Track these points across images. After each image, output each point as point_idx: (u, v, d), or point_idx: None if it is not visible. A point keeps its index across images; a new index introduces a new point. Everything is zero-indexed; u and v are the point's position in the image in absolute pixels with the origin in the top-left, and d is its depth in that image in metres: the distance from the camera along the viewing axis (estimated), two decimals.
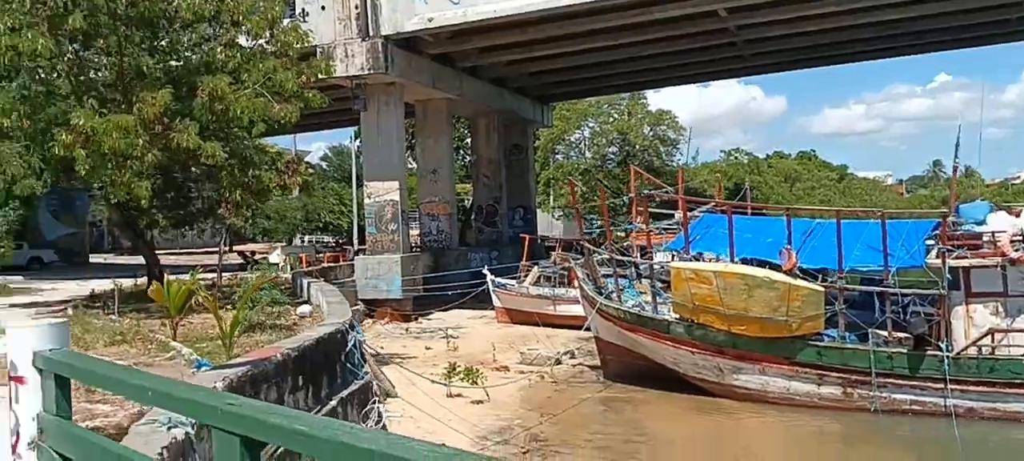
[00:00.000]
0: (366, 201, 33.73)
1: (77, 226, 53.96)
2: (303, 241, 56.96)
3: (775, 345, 18.43)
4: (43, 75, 18.43)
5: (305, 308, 16.78)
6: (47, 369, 3.20)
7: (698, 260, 20.90)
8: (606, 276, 21.95)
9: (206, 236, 60.04)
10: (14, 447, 3.32)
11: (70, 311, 19.15)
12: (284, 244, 43.19)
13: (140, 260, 55.85)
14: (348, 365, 11.17)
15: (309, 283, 20.66)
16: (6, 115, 17.25)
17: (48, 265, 44.63)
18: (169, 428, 5.54)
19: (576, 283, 24.09)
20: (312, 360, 9.88)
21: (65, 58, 18.34)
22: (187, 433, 5.59)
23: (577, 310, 25.36)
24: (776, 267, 19.17)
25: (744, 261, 19.59)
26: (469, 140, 52.71)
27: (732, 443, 16.17)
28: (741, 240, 19.79)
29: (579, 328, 23.75)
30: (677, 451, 14.91)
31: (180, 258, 60.45)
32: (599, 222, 27.78)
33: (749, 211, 24.18)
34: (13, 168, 17.73)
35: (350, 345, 11.44)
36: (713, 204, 23.87)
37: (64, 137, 16.36)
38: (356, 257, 34.06)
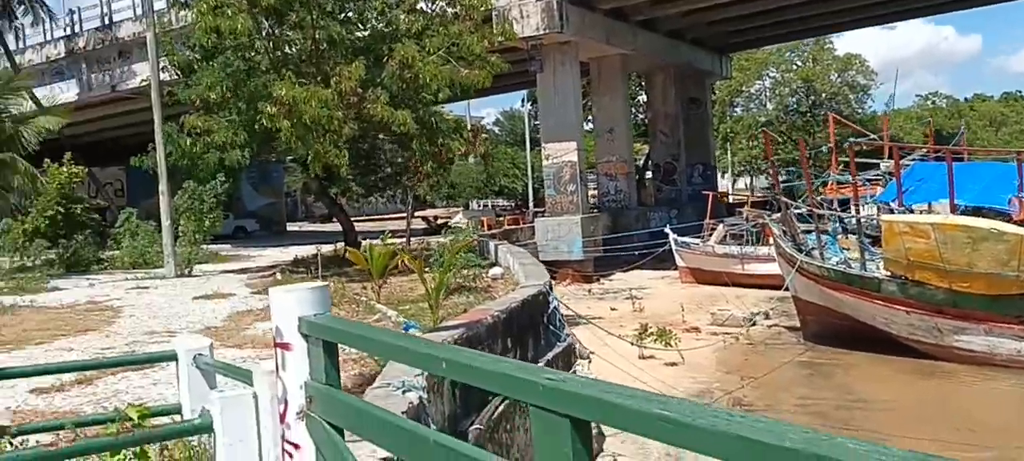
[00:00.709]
0: (544, 163, 33.61)
1: (274, 197, 57.45)
2: (479, 205, 58.03)
3: (1004, 303, 16.68)
4: (243, 52, 19.35)
5: (496, 270, 16.79)
6: (313, 335, 2.99)
7: (909, 213, 19.22)
8: (806, 233, 20.63)
9: (389, 203, 62.59)
10: (282, 416, 3.16)
11: (278, 275, 20.22)
12: (464, 208, 44.05)
13: (333, 227, 58.75)
14: (550, 327, 10.95)
15: (496, 246, 20.73)
16: (212, 90, 18.25)
17: (250, 234, 47.72)
18: (404, 392, 5.43)
19: (771, 240, 22.86)
20: (519, 323, 9.72)
21: (263, 35, 19.20)
22: (421, 397, 5.46)
23: (767, 269, 24.14)
24: (999, 217, 17.34)
25: (958, 210, 17.86)
26: (643, 97, 51.50)
27: (960, 410, 14.75)
28: (956, 188, 18.00)
29: (769, 288, 22.58)
30: (900, 418, 13.72)
31: (366, 224, 63.41)
32: (790, 176, 26.29)
33: (966, 157, 22.02)
34: (221, 136, 18.78)
35: (551, 307, 11.22)
36: (926, 150, 21.88)
37: (269, 109, 17.09)
38: (536, 219, 34.09)
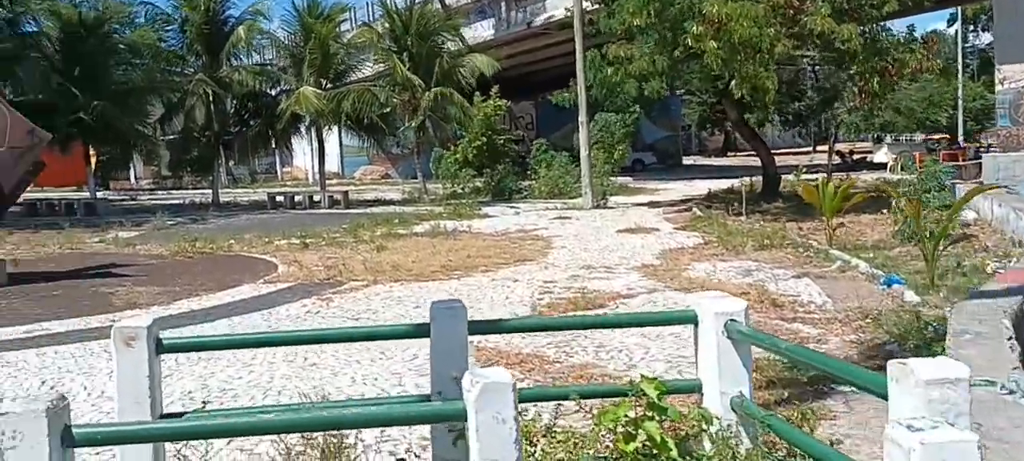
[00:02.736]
0: (998, 88, 28.23)
1: (671, 130, 56.84)
2: (890, 140, 51.83)
3: None
4: None
5: (968, 214, 13.90)
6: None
7: None
8: None
9: (780, 137, 58.83)
10: None
11: (696, 211, 19.13)
12: (874, 142, 39.28)
13: (729, 162, 56.39)
14: None
15: (954, 185, 17.47)
16: (637, 15, 17.37)
17: (647, 167, 47.52)
18: (1010, 393, 3.77)
19: None
20: None
21: None
22: None
23: None
24: None
25: None
26: None
27: None
28: None
29: None
30: None
31: (755, 160, 60.47)
32: None
33: None
34: (642, 64, 17.98)
35: None
36: None
37: (695, 28, 15.82)
38: (985, 155, 28.95)
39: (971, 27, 58.05)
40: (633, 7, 17.51)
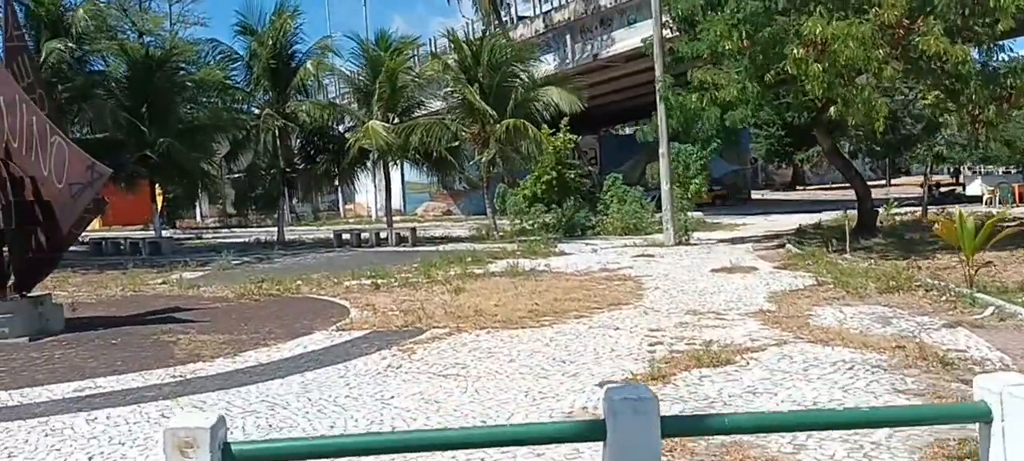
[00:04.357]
0: None
1: (739, 163, 55.19)
2: (972, 171, 49.24)
3: None
4: None
5: None
6: None
7: None
8: None
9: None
10: None
11: (790, 246, 17.75)
12: (986, 174, 37.15)
13: (799, 195, 54.41)
14: None
15: None
16: (727, 38, 16.19)
17: (715, 202, 45.94)
18: None
19: None
20: None
21: None
22: None
23: None
24: None
25: None
26: None
27: None
28: None
29: None
30: None
31: (818, 193, 58.24)
32: None
33: None
34: (730, 91, 16.78)
35: None
36: None
37: (796, 52, 14.57)
38: None
39: None
40: (722, 30, 16.34)
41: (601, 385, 6.69)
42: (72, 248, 24.59)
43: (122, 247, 27.22)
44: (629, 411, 2.59)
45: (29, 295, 10.44)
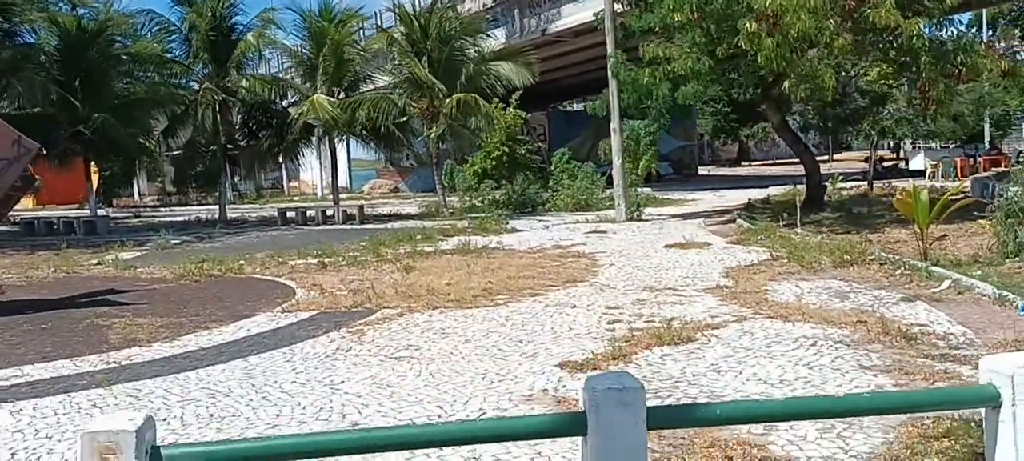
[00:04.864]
0: None
1: (687, 139, 55.49)
2: (912, 147, 50.27)
3: None
4: None
5: None
6: None
7: None
8: None
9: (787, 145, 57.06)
10: None
11: (740, 221, 17.77)
12: (928, 149, 37.87)
13: (745, 172, 55.01)
14: None
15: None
16: (678, 11, 16.01)
17: (663, 177, 46.14)
18: None
19: None
20: None
21: None
22: None
23: None
24: None
25: None
26: None
27: None
28: None
29: None
30: None
31: (767, 168, 58.97)
32: None
33: None
34: (682, 64, 16.62)
35: None
36: None
37: (748, 25, 14.43)
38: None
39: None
40: (672, 2, 16.16)
41: (560, 366, 6.45)
42: (1, 228, 23.50)
43: (56, 227, 26.15)
44: (613, 403, 2.32)
45: None
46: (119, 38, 26.75)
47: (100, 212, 29.25)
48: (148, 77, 27.84)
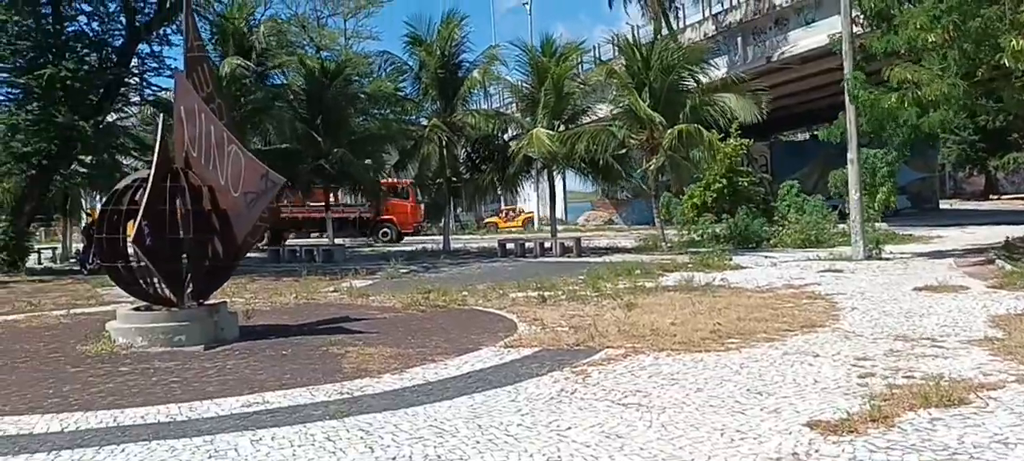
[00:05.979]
0: None
1: (927, 171, 51.30)
2: None
3: None
4: None
5: None
6: None
7: None
8: None
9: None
10: None
11: (1003, 263, 15.80)
12: None
13: (993, 206, 49.97)
14: None
15: None
16: (929, 30, 14.59)
17: (899, 212, 42.67)
18: None
19: None
20: None
21: None
22: None
23: None
24: None
25: None
26: None
27: None
28: None
29: None
30: None
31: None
32: None
33: None
34: (935, 89, 15.10)
35: None
36: None
37: (1015, 42, 12.86)
38: None
39: None
40: (923, 21, 14.76)
41: (809, 425, 5.76)
42: (250, 255, 25.63)
43: (298, 254, 28.24)
44: None
45: (205, 303, 10.60)
46: (356, 78, 28.67)
47: (337, 241, 31.31)
48: (382, 114, 29.58)
